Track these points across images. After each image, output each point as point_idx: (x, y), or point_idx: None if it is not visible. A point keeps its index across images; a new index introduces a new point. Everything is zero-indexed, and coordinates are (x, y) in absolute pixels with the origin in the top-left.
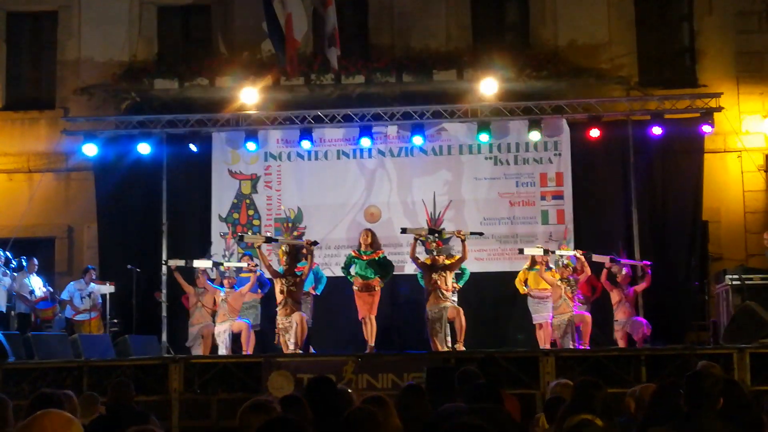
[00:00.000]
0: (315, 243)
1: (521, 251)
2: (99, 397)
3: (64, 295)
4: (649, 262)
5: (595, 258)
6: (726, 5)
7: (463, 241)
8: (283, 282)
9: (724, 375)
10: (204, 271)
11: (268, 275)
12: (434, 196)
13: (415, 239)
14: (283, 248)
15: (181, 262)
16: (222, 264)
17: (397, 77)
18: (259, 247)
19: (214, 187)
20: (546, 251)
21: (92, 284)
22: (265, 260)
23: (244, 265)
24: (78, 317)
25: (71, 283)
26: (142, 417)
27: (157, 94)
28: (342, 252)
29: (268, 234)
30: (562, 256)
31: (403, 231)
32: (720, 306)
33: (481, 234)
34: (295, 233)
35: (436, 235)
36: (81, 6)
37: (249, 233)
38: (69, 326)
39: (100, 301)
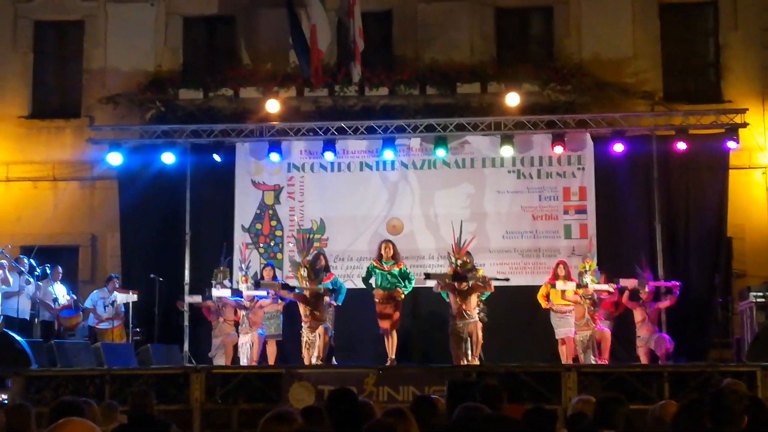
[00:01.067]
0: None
1: (553, 285)
2: (119, 406)
3: (87, 304)
4: (678, 283)
5: (623, 282)
6: (751, 20)
7: (488, 282)
8: (307, 307)
9: (748, 393)
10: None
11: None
12: (461, 224)
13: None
14: (302, 272)
15: (198, 298)
16: (241, 293)
17: (421, 89)
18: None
19: (237, 197)
20: (578, 285)
21: (115, 293)
22: (287, 295)
23: (263, 293)
24: (101, 325)
25: (94, 291)
26: (163, 426)
27: (182, 104)
28: (363, 264)
29: (291, 252)
30: (594, 288)
31: (427, 277)
32: (744, 323)
33: (506, 279)
34: (313, 249)
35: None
36: (107, 16)
37: (271, 244)
38: (92, 334)
39: (123, 309)
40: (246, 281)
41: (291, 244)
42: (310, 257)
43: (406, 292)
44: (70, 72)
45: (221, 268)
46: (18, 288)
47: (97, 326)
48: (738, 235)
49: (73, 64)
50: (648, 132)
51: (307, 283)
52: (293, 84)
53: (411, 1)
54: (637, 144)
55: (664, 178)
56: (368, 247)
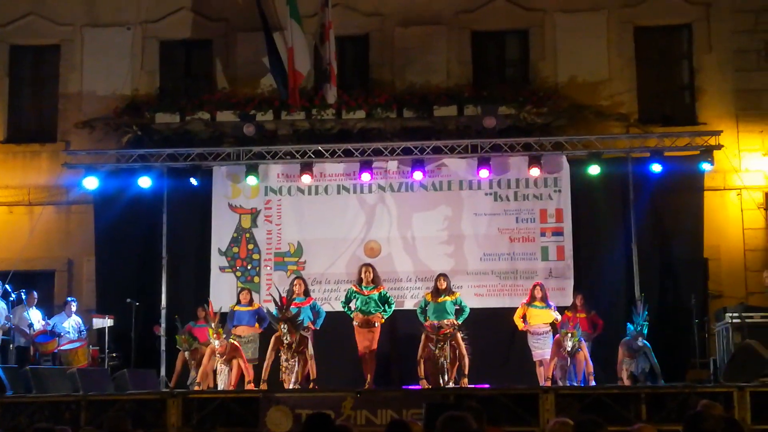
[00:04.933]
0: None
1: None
2: None
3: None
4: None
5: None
6: (725, 43)
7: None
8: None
9: (724, 414)
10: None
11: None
12: None
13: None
14: (282, 327)
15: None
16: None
17: (398, 112)
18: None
19: (214, 221)
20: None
21: (73, 315)
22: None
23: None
24: (64, 347)
25: (54, 317)
26: None
27: (159, 128)
28: (341, 287)
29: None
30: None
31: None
32: (720, 344)
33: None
34: (295, 287)
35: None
36: (84, 40)
37: (248, 267)
38: (57, 358)
39: (85, 329)
40: (218, 337)
41: (268, 268)
42: (290, 313)
43: (386, 317)
44: (46, 96)
45: (183, 336)
46: None
47: (59, 348)
48: (714, 257)
49: (49, 88)
50: (623, 154)
51: (288, 336)
52: (270, 107)
53: (388, 25)
54: (613, 166)
55: (640, 200)
56: (346, 270)
